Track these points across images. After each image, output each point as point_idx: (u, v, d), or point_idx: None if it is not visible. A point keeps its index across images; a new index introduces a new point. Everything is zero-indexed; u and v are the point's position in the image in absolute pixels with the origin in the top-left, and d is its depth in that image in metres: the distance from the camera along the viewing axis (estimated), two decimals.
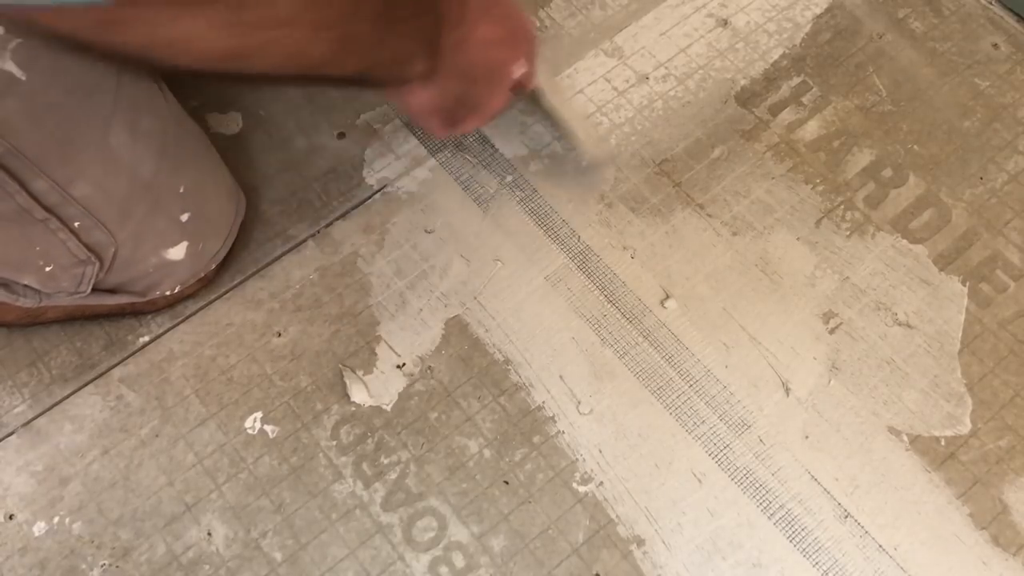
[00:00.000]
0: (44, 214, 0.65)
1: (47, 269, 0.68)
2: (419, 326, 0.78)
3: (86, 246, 0.68)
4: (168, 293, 0.76)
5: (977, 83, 0.89)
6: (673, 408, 0.75)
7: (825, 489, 0.72)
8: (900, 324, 0.78)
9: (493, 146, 0.86)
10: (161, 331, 0.78)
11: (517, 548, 0.70)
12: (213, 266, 0.78)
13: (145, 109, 0.69)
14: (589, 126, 0.86)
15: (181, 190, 0.72)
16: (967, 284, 0.80)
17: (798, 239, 0.82)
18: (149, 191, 0.69)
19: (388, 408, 0.75)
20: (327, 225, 0.83)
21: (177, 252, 0.73)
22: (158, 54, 0.48)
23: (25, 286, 0.70)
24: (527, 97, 0.76)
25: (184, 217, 0.72)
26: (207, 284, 0.80)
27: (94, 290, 0.73)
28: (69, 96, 0.64)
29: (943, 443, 0.74)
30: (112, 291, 0.74)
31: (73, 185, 0.65)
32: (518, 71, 0.69)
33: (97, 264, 0.69)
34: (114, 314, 0.78)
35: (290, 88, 0.89)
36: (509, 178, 0.84)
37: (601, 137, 0.86)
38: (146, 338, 0.78)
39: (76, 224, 0.67)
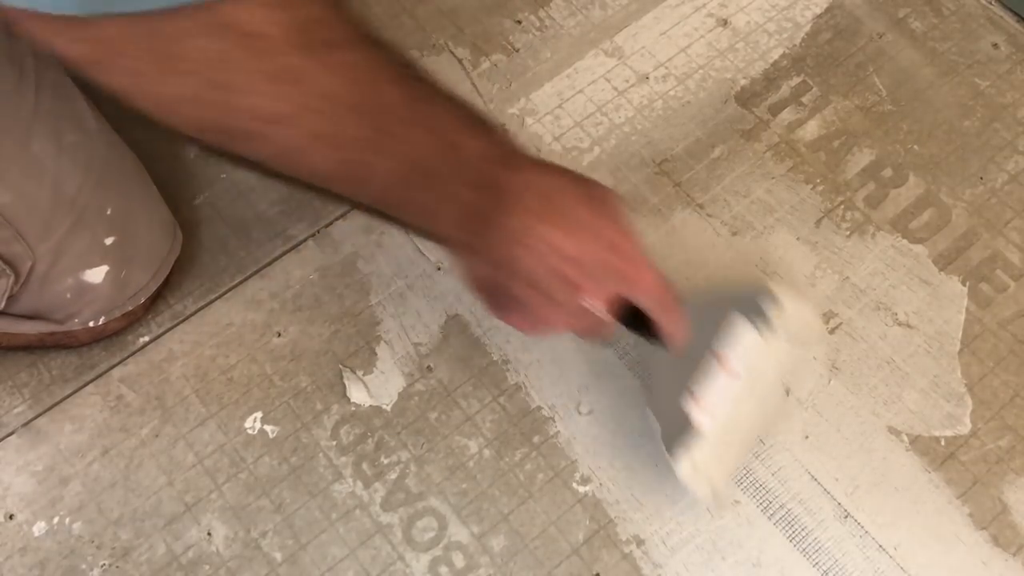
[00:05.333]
0: None
1: None
2: (419, 326, 0.78)
3: (2, 257, 0.66)
4: (92, 324, 0.73)
5: (977, 83, 0.89)
6: None
7: (825, 489, 0.72)
8: (900, 324, 0.78)
9: None
10: (161, 331, 0.78)
11: (517, 548, 0.70)
12: (142, 299, 0.75)
13: (70, 124, 0.68)
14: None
15: (108, 212, 0.70)
16: (967, 284, 0.80)
17: (798, 239, 0.82)
18: (73, 207, 0.68)
19: (388, 408, 0.75)
20: (327, 225, 0.83)
21: (95, 275, 0.71)
22: (143, 106, 0.45)
23: None
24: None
25: (108, 240, 0.70)
26: (136, 320, 0.77)
27: (10, 314, 0.71)
28: None
29: (943, 443, 0.74)
30: (29, 317, 0.72)
31: None
32: (589, 304, 0.55)
33: (12, 276, 0.67)
34: (35, 346, 0.76)
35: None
36: None
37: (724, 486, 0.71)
38: (146, 338, 0.78)
39: None
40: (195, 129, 0.47)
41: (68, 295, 0.71)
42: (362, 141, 0.48)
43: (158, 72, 0.44)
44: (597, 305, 0.55)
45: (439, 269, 0.81)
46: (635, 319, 0.59)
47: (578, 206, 0.53)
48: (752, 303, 0.67)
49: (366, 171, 0.49)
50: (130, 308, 0.75)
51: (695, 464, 0.66)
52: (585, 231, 0.53)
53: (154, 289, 0.76)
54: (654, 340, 0.62)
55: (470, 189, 0.51)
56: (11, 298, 0.69)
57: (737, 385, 0.67)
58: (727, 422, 0.66)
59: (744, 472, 0.72)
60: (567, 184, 0.54)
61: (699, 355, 0.65)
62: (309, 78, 0.45)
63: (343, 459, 0.73)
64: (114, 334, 0.77)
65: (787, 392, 0.73)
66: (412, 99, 0.50)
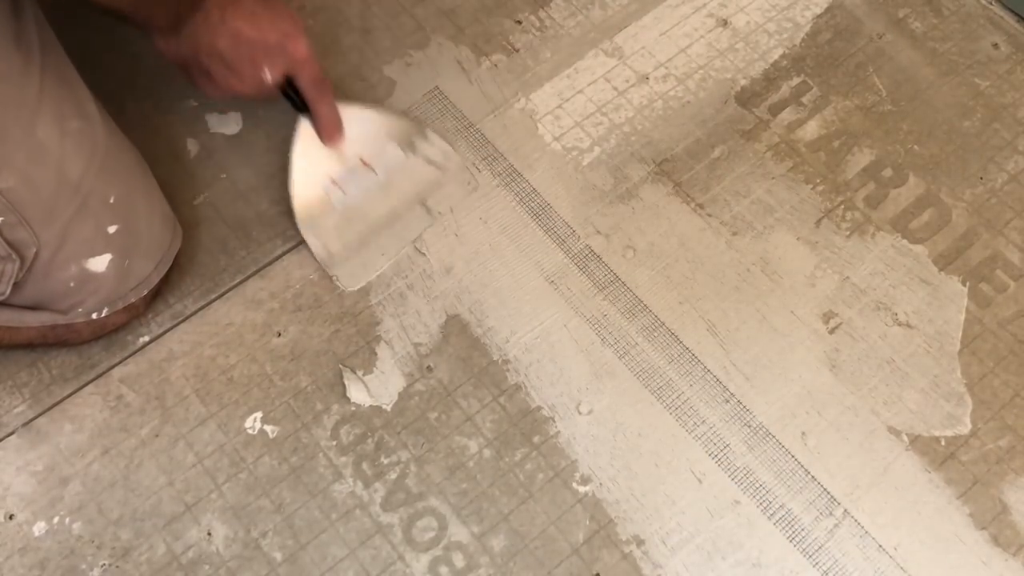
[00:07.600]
0: None
1: None
2: (419, 326, 0.78)
3: (8, 242, 0.66)
4: (94, 316, 0.73)
5: (977, 83, 0.89)
6: (673, 408, 0.75)
7: (825, 489, 0.72)
8: (900, 324, 0.78)
9: (493, 146, 0.86)
10: (161, 331, 0.78)
11: (517, 548, 0.70)
12: (145, 292, 0.75)
13: (73, 110, 0.69)
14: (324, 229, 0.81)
15: (111, 200, 0.70)
16: (967, 284, 0.80)
17: (798, 239, 0.82)
18: (77, 193, 0.68)
19: (388, 408, 0.75)
20: None
21: (99, 263, 0.71)
22: None
23: None
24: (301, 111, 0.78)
25: (112, 229, 0.71)
26: (137, 315, 0.77)
27: (14, 305, 0.71)
28: None
29: (943, 443, 0.74)
30: (33, 308, 0.72)
31: None
32: (266, 75, 0.73)
33: (18, 262, 0.67)
34: (37, 343, 0.75)
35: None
36: (507, 177, 0.84)
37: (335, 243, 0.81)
38: (146, 338, 0.78)
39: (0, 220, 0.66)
40: None
41: (72, 283, 0.71)
42: None
43: None
44: (269, 80, 0.74)
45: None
46: (302, 98, 0.77)
47: (257, 4, 0.71)
48: (406, 134, 0.83)
49: None
50: (132, 300, 0.75)
51: (316, 226, 0.80)
52: (263, 23, 0.71)
53: (156, 281, 0.76)
54: (309, 116, 0.79)
55: None
56: (15, 287, 0.69)
57: (374, 181, 0.82)
58: (356, 206, 0.82)
59: (744, 472, 0.73)
60: None
61: (349, 156, 0.82)
62: None
63: (343, 459, 0.73)
64: (115, 330, 0.77)
65: (424, 205, 0.83)
66: None
